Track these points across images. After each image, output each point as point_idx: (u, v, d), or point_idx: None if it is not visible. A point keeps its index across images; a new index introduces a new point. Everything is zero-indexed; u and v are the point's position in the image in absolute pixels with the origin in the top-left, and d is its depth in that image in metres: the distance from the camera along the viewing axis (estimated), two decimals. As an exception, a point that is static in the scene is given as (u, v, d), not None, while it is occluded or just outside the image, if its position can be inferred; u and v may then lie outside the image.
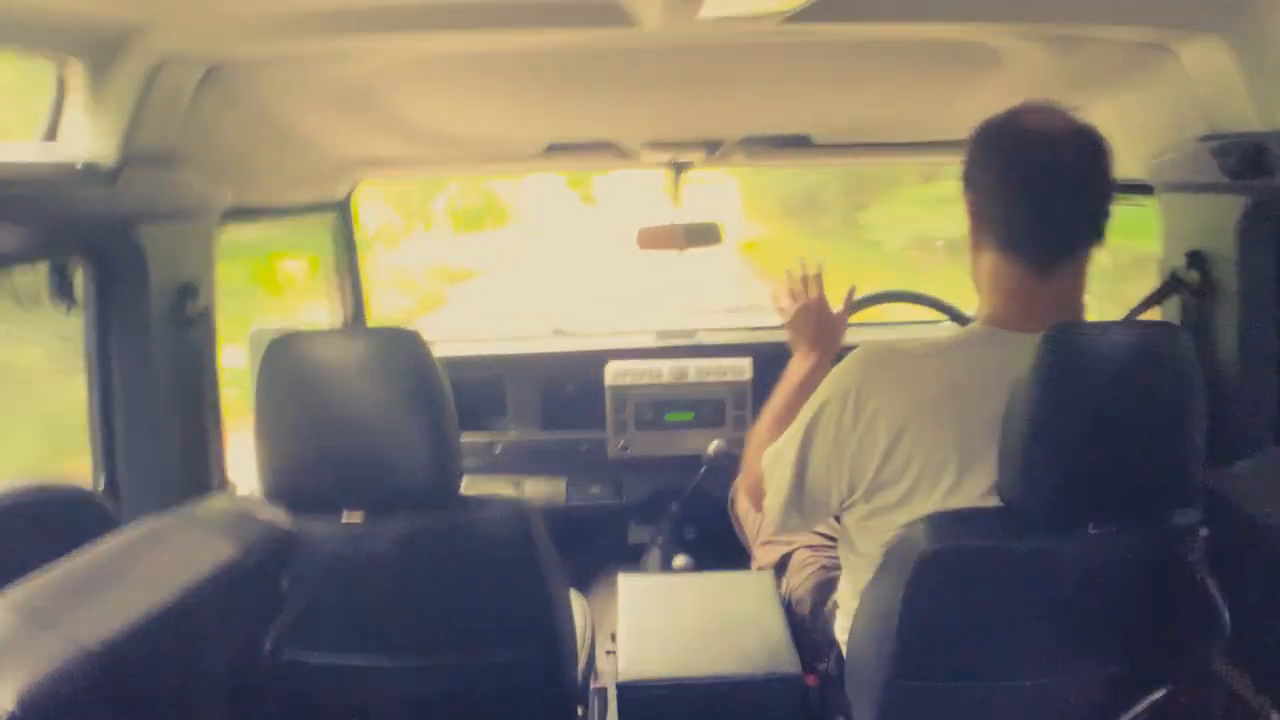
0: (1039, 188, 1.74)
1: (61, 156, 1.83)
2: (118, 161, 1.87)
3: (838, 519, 1.96)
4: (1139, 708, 1.85)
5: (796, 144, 3.17)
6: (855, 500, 1.83)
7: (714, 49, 2.13)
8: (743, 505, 2.63)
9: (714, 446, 3.27)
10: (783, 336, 3.42)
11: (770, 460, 1.97)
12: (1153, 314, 2.29)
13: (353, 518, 1.88)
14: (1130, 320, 2.19)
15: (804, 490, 1.89)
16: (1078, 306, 1.80)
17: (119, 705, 1.34)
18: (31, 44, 1.73)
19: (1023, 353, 1.66)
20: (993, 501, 1.70)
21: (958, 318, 2.86)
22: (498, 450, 3.47)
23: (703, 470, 3.22)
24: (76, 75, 1.82)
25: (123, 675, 1.32)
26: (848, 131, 3.12)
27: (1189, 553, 1.69)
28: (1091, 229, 1.77)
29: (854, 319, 2.67)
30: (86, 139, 1.85)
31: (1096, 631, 1.78)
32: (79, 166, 1.82)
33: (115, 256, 2.01)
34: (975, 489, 1.72)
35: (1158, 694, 1.85)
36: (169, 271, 2.09)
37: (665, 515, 3.33)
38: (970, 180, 1.84)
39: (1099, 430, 1.62)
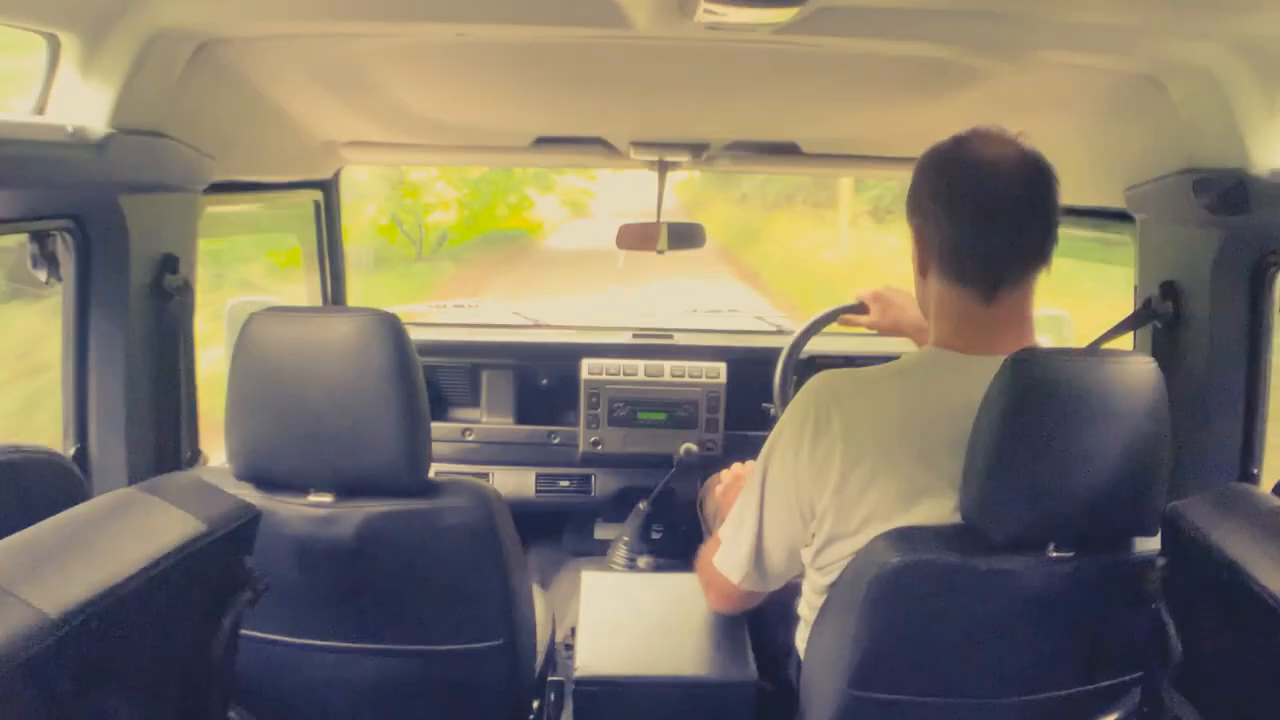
0: (984, 215, 1.74)
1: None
2: (105, 131, 1.87)
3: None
4: None
5: (784, 151, 3.18)
6: (814, 528, 1.83)
7: (706, 52, 2.14)
8: (710, 507, 2.64)
9: (685, 448, 3.27)
10: (758, 342, 3.46)
11: (729, 520, 1.98)
12: (1124, 342, 2.32)
13: (320, 498, 1.88)
14: (1098, 349, 2.21)
15: (767, 525, 1.90)
16: (1027, 329, 1.81)
17: (77, 673, 1.34)
18: (25, 16, 1.72)
19: (974, 375, 1.68)
20: (951, 521, 1.72)
21: (847, 310, 2.81)
22: (468, 438, 3.48)
23: (673, 470, 3.23)
24: (69, 49, 1.82)
25: (82, 644, 1.32)
26: (835, 142, 3.14)
27: (1146, 582, 1.70)
28: (1037, 254, 1.77)
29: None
30: (76, 111, 1.85)
31: (1050, 654, 1.79)
32: (66, 133, 1.82)
33: (98, 225, 2.01)
34: (932, 510, 1.73)
35: (1107, 718, 1.87)
36: (151, 243, 2.09)
37: (633, 514, 3.33)
38: (915, 206, 1.84)
39: (1061, 456, 1.63)
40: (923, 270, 1.85)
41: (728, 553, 1.96)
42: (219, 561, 1.66)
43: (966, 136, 1.79)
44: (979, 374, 1.68)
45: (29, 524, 1.47)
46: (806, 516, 1.84)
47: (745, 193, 24.70)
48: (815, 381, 1.86)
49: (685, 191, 27.46)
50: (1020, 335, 1.79)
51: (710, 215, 22.73)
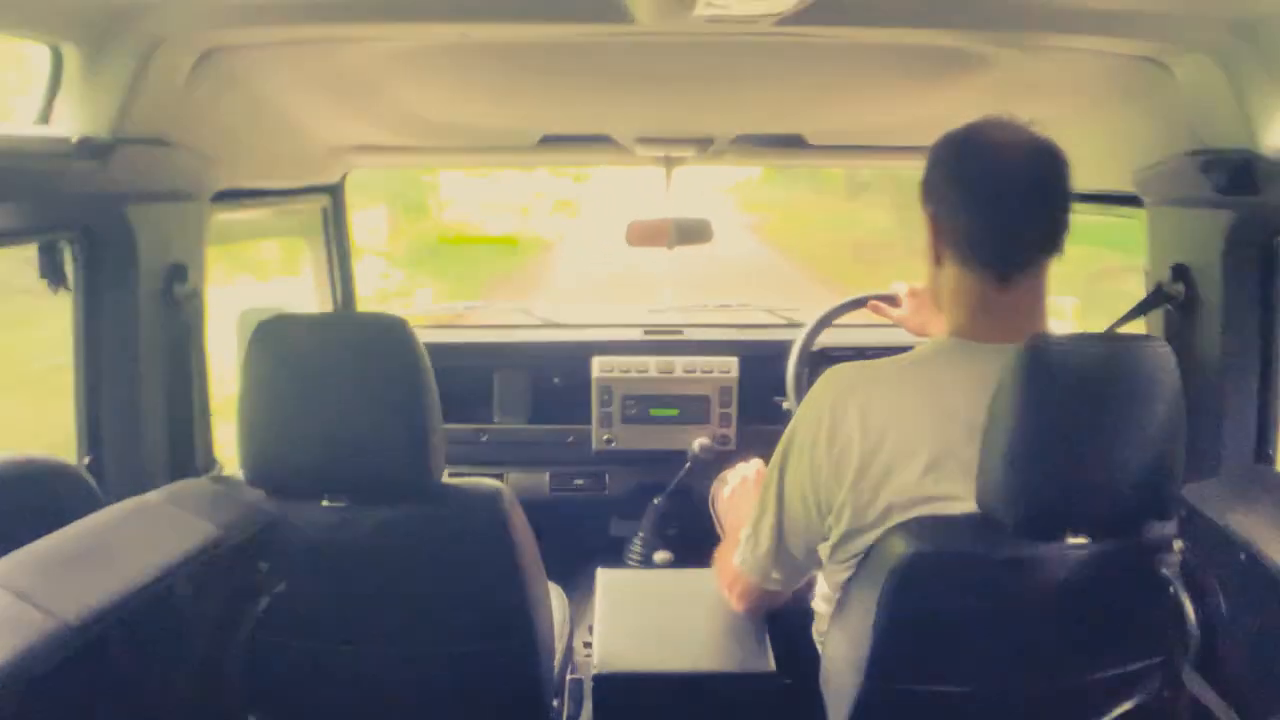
0: (999, 200, 1.76)
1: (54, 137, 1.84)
2: (110, 141, 1.88)
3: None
4: (1109, 716, 1.87)
5: (789, 144, 3.19)
6: (831, 521, 1.83)
7: (709, 47, 2.14)
8: (720, 508, 2.65)
9: (699, 443, 3.27)
10: (769, 336, 3.46)
11: (748, 520, 1.98)
12: (1137, 326, 2.31)
13: (334, 503, 1.88)
14: (1112, 333, 2.20)
15: (785, 522, 1.90)
16: (1040, 316, 1.82)
17: (96, 681, 1.35)
18: (27, 26, 1.73)
19: (990, 363, 1.69)
20: (969, 510, 1.71)
21: (878, 297, 2.82)
22: (483, 440, 3.48)
23: (687, 466, 3.23)
24: (71, 59, 1.82)
25: (101, 651, 1.32)
26: (841, 133, 3.14)
27: (1163, 565, 1.70)
28: (1050, 240, 1.78)
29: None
30: (80, 122, 1.86)
31: (1069, 641, 1.79)
32: (71, 143, 1.82)
33: (106, 236, 2.02)
34: (951, 500, 1.73)
35: (1128, 704, 1.86)
36: (159, 252, 2.10)
37: (648, 510, 3.34)
38: (929, 193, 1.85)
39: (1077, 442, 1.63)
40: (937, 258, 1.86)
41: (748, 552, 1.97)
42: (235, 567, 1.67)
43: (979, 124, 1.81)
44: (995, 361, 1.69)
45: (44, 534, 1.48)
46: (824, 512, 1.84)
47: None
48: (829, 375, 1.86)
49: (761, 198, 16.90)
50: (1034, 321, 1.79)
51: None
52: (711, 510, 2.88)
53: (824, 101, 2.74)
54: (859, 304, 2.82)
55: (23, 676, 1.19)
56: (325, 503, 1.87)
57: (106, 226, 2.01)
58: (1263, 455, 2.11)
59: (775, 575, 1.96)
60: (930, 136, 1.85)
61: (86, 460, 2.08)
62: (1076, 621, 1.77)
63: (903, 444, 1.76)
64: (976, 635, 1.77)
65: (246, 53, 2.10)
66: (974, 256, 1.79)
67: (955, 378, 1.78)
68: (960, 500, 1.72)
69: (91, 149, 1.85)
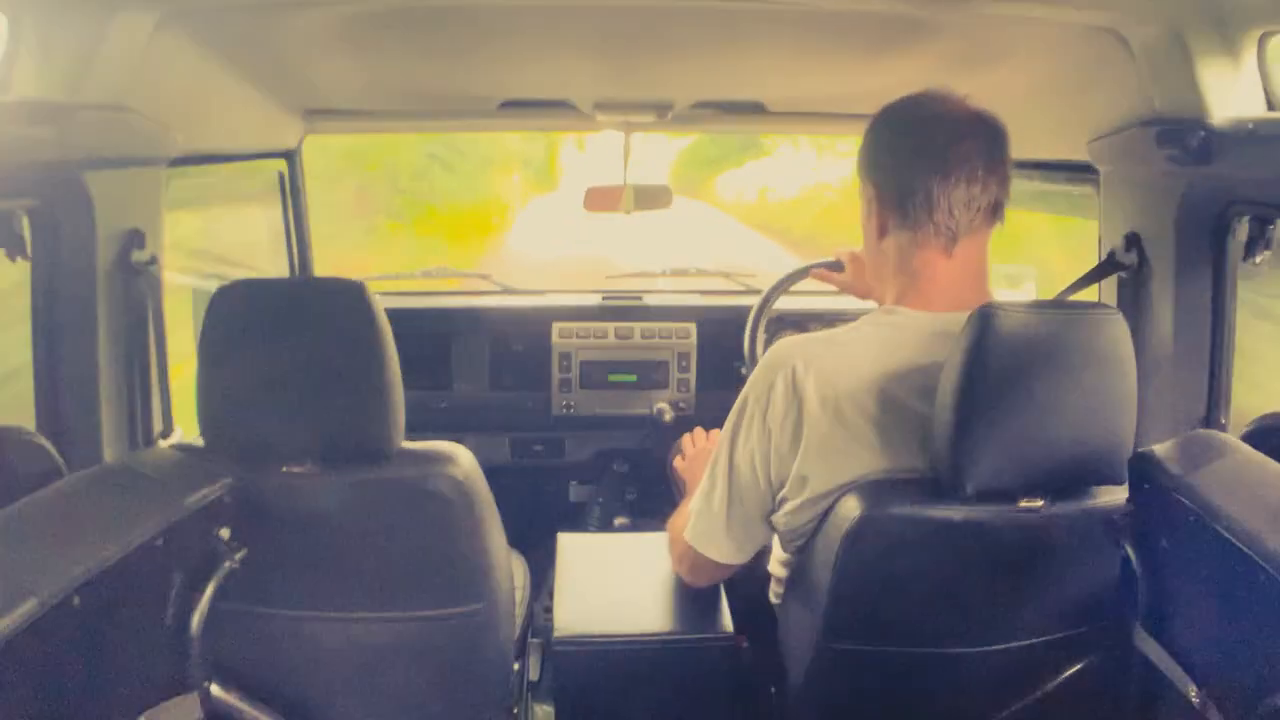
0: (943, 166, 1.77)
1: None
2: (67, 107, 1.86)
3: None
4: (1060, 677, 1.90)
5: (749, 110, 3.19)
6: (785, 494, 1.85)
7: (668, 12, 2.14)
8: (678, 477, 2.66)
9: (658, 407, 3.29)
10: (727, 302, 3.47)
11: (697, 494, 1.99)
12: (1090, 294, 2.34)
13: (294, 469, 1.88)
14: (1063, 301, 2.23)
15: (735, 495, 1.91)
16: (984, 284, 1.85)
17: (58, 651, 1.35)
18: None
19: (938, 329, 1.72)
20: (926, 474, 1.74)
21: (822, 265, 2.80)
22: (442, 406, 3.48)
23: (647, 432, 3.24)
24: (27, 25, 1.80)
25: (64, 621, 1.32)
26: (800, 100, 3.14)
27: (1113, 528, 1.73)
28: (993, 207, 1.81)
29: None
30: (36, 88, 1.84)
31: (1022, 603, 1.81)
32: (27, 110, 1.80)
33: (63, 202, 2.00)
34: (908, 465, 1.75)
35: (1079, 664, 1.90)
36: (117, 218, 2.08)
37: (608, 475, 3.35)
38: (872, 164, 1.87)
39: (1028, 407, 1.65)
40: (881, 229, 1.87)
41: (699, 528, 1.98)
42: (196, 534, 1.67)
43: (919, 96, 1.84)
44: (942, 328, 1.72)
45: (3, 502, 1.47)
46: (775, 485, 1.86)
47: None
48: (777, 348, 1.87)
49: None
50: (979, 290, 1.83)
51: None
52: (669, 475, 2.90)
53: (782, 69, 2.74)
54: (804, 274, 2.81)
55: None
56: (285, 469, 1.87)
57: (64, 193, 1.99)
58: (1212, 421, 2.14)
59: (726, 549, 1.97)
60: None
61: (46, 427, 2.07)
62: (1029, 584, 1.79)
63: (858, 412, 1.77)
64: (929, 597, 1.79)
65: (204, 17, 2.08)
66: (921, 222, 1.81)
67: (905, 345, 1.80)
68: (918, 465, 1.75)
69: (47, 114, 1.83)
